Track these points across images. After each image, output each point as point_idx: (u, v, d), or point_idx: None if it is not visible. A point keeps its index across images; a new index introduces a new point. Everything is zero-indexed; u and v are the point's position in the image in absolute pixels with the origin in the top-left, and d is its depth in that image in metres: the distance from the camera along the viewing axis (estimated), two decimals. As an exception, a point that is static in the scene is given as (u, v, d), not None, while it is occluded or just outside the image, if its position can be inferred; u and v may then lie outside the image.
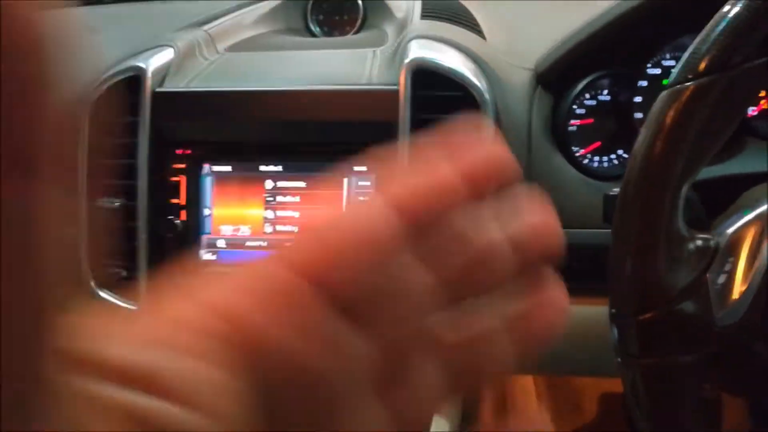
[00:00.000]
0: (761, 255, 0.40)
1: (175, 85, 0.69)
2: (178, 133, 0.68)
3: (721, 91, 0.39)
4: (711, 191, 0.66)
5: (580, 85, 0.68)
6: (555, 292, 0.18)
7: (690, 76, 0.39)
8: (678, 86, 0.40)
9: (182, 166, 0.67)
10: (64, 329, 0.12)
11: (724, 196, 0.65)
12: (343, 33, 0.95)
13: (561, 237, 0.18)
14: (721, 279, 0.41)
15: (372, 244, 0.16)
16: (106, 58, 0.72)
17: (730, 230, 0.42)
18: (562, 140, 0.69)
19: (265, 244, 0.69)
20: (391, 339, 0.16)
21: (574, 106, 0.70)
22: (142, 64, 0.67)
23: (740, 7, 0.39)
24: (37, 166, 0.10)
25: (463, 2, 0.93)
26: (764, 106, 0.70)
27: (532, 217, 0.19)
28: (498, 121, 0.66)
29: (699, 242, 0.42)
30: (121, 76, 0.68)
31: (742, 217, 0.43)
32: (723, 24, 0.39)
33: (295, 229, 0.68)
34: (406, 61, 0.65)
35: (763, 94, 0.70)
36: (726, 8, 0.40)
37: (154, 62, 0.69)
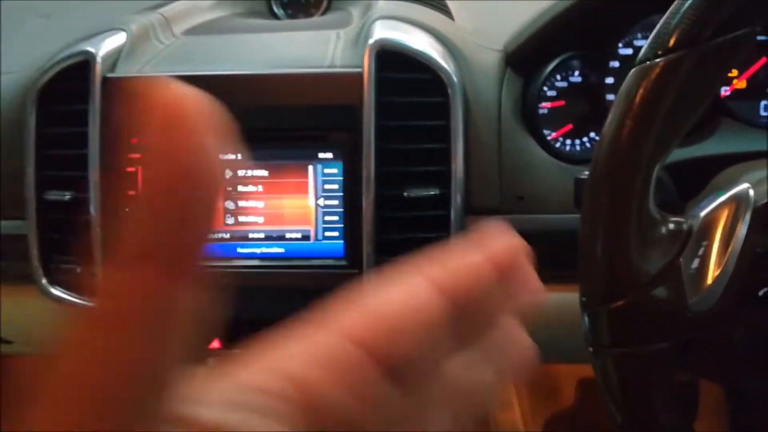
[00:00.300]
0: (735, 238, 0.39)
1: (127, 70, 0.65)
2: (132, 121, 0.64)
3: (691, 67, 0.38)
4: (684, 173, 0.65)
5: (550, 66, 0.66)
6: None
7: (659, 52, 0.37)
8: (647, 63, 0.38)
9: (138, 155, 0.64)
10: (172, 393, 0.14)
11: (698, 178, 0.64)
12: (308, 15, 0.92)
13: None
14: (695, 264, 0.40)
15: (423, 322, 0.18)
16: (58, 44, 0.69)
17: (703, 213, 0.41)
18: (532, 123, 0.67)
19: (227, 236, 0.66)
20: (422, 395, 0.19)
21: (545, 88, 0.68)
22: (91, 49, 0.64)
23: None
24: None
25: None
26: (737, 86, 0.69)
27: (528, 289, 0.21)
28: (466, 104, 0.64)
29: (671, 225, 0.40)
30: (69, 62, 0.64)
31: (715, 199, 0.41)
32: None
33: (260, 219, 0.65)
34: (370, 42, 0.62)
35: (735, 73, 0.69)
36: None
37: (104, 47, 0.65)
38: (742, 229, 0.39)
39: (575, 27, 0.66)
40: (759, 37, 0.68)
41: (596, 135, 0.68)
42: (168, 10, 0.78)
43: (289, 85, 0.63)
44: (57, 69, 0.64)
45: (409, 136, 0.63)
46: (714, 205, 0.41)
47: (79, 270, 0.65)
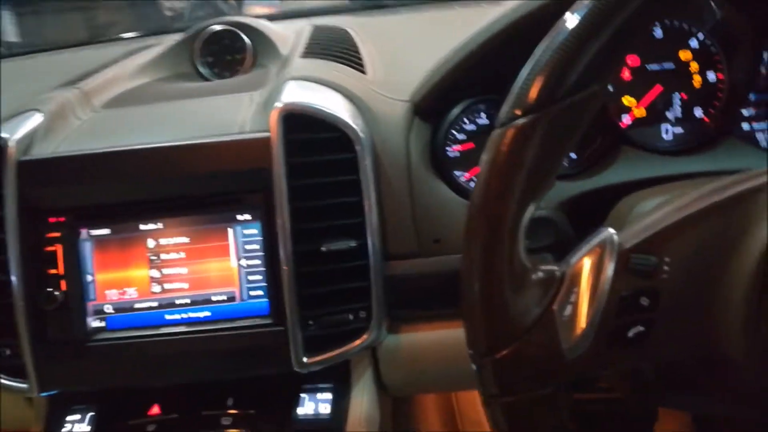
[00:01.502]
0: (602, 283, 0.41)
1: (42, 150, 0.66)
2: (50, 200, 0.65)
3: (544, 129, 0.40)
4: (587, 204, 0.68)
5: (455, 111, 0.69)
6: None
7: (517, 113, 0.40)
8: (504, 126, 0.40)
9: (57, 234, 0.65)
10: None
11: (601, 208, 0.67)
12: (235, 73, 0.94)
13: None
14: (568, 310, 0.42)
15: None
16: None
17: (573, 259, 0.43)
18: (443, 167, 0.69)
19: (154, 304, 0.67)
20: None
21: (454, 132, 0.71)
22: (4, 135, 0.65)
23: (557, 40, 0.39)
24: None
25: (351, 30, 0.94)
26: (637, 115, 0.72)
27: None
28: (375, 157, 0.66)
29: (543, 274, 0.42)
30: (-17, 148, 0.65)
31: (585, 245, 0.43)
32: (544, 57, 0.40)
33: (185, 285, 0.66)
34: (277, 105, 0.64)
35: (633, 102, 0.72)
36: (543, 43, 0.41)
37: (19, 130, 0.66)
38: (608, 274, 0.41)
39: (476, 73, 0.69)
40: (651, 66, 0.72)
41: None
42: (87, 83, 0.79)
43: (202, 153, 0.65)
44: (-28, 156, 0.65)
45: (321, 192, 0.64)
46: (583, 251, 0.43)
47: (8, 352, 0.65)
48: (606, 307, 0.40)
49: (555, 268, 0.43)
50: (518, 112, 0.40)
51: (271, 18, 1.17)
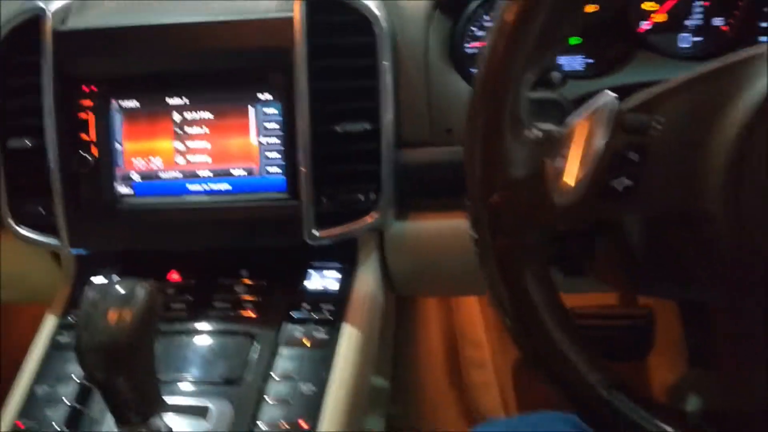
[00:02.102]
0: (595, 139, 0.43)
1: (76, 23, 0.69)
2: (84, 70, 0.69)
3: None
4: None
5: (473, 6, 0.70)
6: None
7: None
8: None
9: (90, 103, 0.69)
10: None
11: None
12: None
13: None
14: (560, 164, 0.44)
15: None
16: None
17: (573, 119, 0.45)
18: (459, 61, 0.71)
19: (179, 174, 0.71)
20: None
21: (473, 28, 0.72)
22: (42, 5, 0.68)
23: None
24: None
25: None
26: (657, 20, 0.73)
27: None
28: (394, 44, 0.68)
29: (542, 132, 0.45)
30: (23, 18, 0.68)
31: (587, 108, 0.45)
32: None
33: (208, 159, 0.70)
34: (301, -14, 0.66)
35: (655, 7, 0.73)
36: None
37: (54, 3, 0.69)
38: (602, 131, 0.43)
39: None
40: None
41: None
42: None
43: (228, 30, 0.67)
44: (12, 24, 0.68)
45: (341, 75, 0.67)
46: (583, 113, 0.45)
47: (42, 212, 0.70)
48: (598, 161, 0.43)
49: (554, 128, 0.46)
50: None
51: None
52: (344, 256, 0.73)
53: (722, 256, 0.42)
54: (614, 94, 0.45)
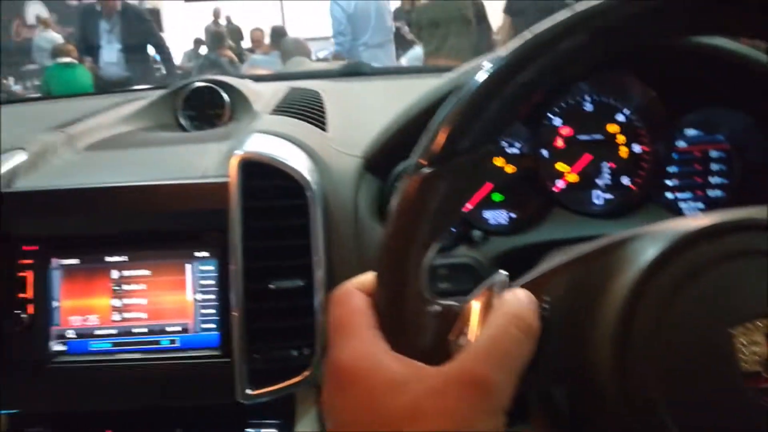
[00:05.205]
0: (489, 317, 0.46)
1: (23, 184, 0.73)
2: (26, 230, 0.71)
3: (446, 180, 0.46)
4: (516, 259, 0.74)
5: (400, 168, 0.76)
6: None
7: (422, 162, 0.46)
8: (410, 176, 0.47)
9: (29, 261, 0.71)
10: None
11: (534, 262, 0.73)
12: (213, 126, 1.02)
13: None
14: (462, 341, 0.47)
15: None
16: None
17: (469, 297, 0.48)
18: (387, 218, 0.76)
19: (115, 331, 0.72)
20: None
21: (398, 185, 0.77)
22: (-11, 168, 0.72)
23: (463, 96, 0.46)
24: None
25: (322, 92, 1.02)
26: (569, 181, 0.79)
27: None
28: (325, 204, 0.73)
29: (440, 308, 0.48)
30: (-32, 181, 0.72)
31: (481, 285, 0.49)
32: (446, 114, 0.46)
33: (144, 315, 0.72)
34: (237, 153, 0.71)
35: (567, 169, 0.79)
36: (451, 98, 0.47)
37: (3, 165, 0.73)
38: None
39: (418, 134, 0.76)
40: (581, 137, 0.79)
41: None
42: (74, 128, 0.87)
43: (166, 193, 0.71)
44: (-43, 188, 0.72)
45: (274, 234, 0.70)
46: (478, 290, 0.49)
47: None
48: None
49: (454, 303, 0.49)
50: (423, 162, 0.47)
51: (257, 79, 1.27)
52: (282, 413, 0.74)
53: (620, 429, 0.44)
54: (506, 273, 0.49)
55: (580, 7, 0.43)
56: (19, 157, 0.76)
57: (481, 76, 0.46)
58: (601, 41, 0.44)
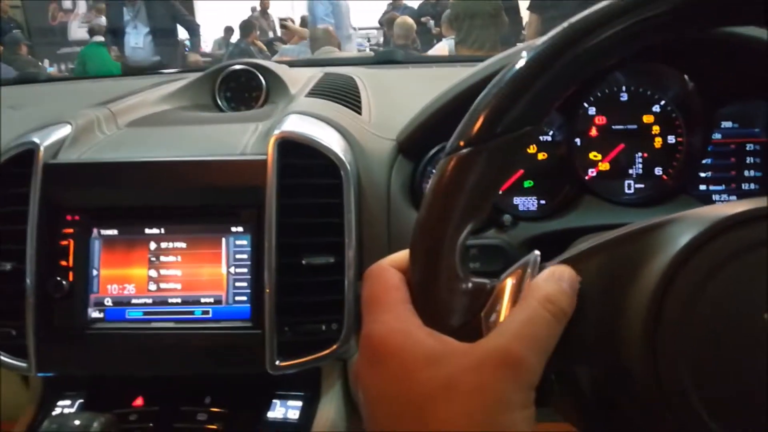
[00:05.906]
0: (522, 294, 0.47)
1: (67, 157, 0.75)
2: (69, 200, 0.74)
3: (483, 160, 0.47)
4: (547, 244, 0.74)
5: (433, 151, 0.77)
6: None
7: (461, 144, 0.47)
8: (448, 156, 0.48)
9: (71, 230, 0.73)
10: None
11: (561, 248, 0.73)
12: (249, 107, 1.03)
13: None
14: (493, 318, 0.48)
15: None
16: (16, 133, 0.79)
17: (503, 276, 0.49)
18: (419, 201, 0.77)
19: (150, 301, 0.74)
20: None
21: (431, 169, 0.79)
22: (36, 139, 0.74)
23: (503, 79, 0.47)
24: None
25: (358, 77, 1.03)
26: (601, 169, 0.79)
27: None
28: (359, 185, 0.74)
29: (473, 285, 0.49)
30: (17, 150, 0.74)
31: (515, 265, 0.49)
32: (488, 95, 0.47)
33: (178, 286, 0.74)
34: (275, 133, 0.73)
35: (599, 158, 0.80)
36: (494, 80, 0.48)
37: (49, 138, 0.76)
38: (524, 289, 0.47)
39: (452, 119, 0.77)
40: (616, 127, 0.79)
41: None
42: (116, 105, 0.90)
43: (206, 169, 0.73)
44: (7, 156, 0.74)
45: (308, 212, 0.72)
46: (511, 269, 0.49)
47: (13, 333, 0.73)
48: None
49: (487, 281, 0.50)
50: (462, 144, 0.47)
51: (291, 64, 1.28)
52: (308, 385, 0.75)
53: (646, 412, 0.44)
54: (538, 253, 0.49)
55: None
56: (64, 131, 0.78)
57: (526, 58, 0.47)
58: (648, 28, 0.44)
